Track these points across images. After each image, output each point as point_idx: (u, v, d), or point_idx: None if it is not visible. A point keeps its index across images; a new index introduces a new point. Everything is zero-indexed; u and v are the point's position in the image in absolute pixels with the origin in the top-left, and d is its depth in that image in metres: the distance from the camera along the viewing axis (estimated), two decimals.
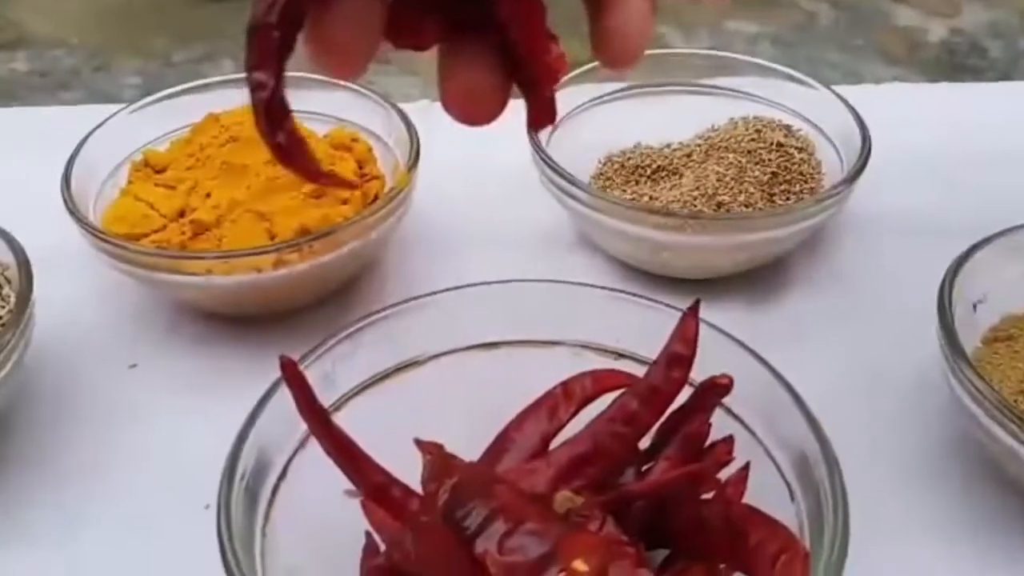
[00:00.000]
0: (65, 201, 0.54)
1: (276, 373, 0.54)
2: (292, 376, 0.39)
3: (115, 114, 0.61)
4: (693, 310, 0.41)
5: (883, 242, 0.64)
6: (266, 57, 0.25)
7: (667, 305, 0.44)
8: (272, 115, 0.25)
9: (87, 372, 0.55)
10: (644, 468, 0.43)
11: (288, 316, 0.57)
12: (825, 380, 0.53)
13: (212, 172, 0.59)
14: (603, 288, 0.45)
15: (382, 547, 0.41)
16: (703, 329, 0.42)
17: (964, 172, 0.69)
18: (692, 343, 0.41)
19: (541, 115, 0.27)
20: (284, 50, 0.25)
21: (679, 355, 0.41)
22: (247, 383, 0.54)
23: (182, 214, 0.57)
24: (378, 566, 0.39)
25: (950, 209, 0.65)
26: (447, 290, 0.44)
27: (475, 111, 0.26)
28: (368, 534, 0.42)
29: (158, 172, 0.60)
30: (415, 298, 0.44)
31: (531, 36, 0.25)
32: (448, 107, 0.26)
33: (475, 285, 0.44)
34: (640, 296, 0.44)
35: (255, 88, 0.25)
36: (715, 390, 0.41)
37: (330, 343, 0.42)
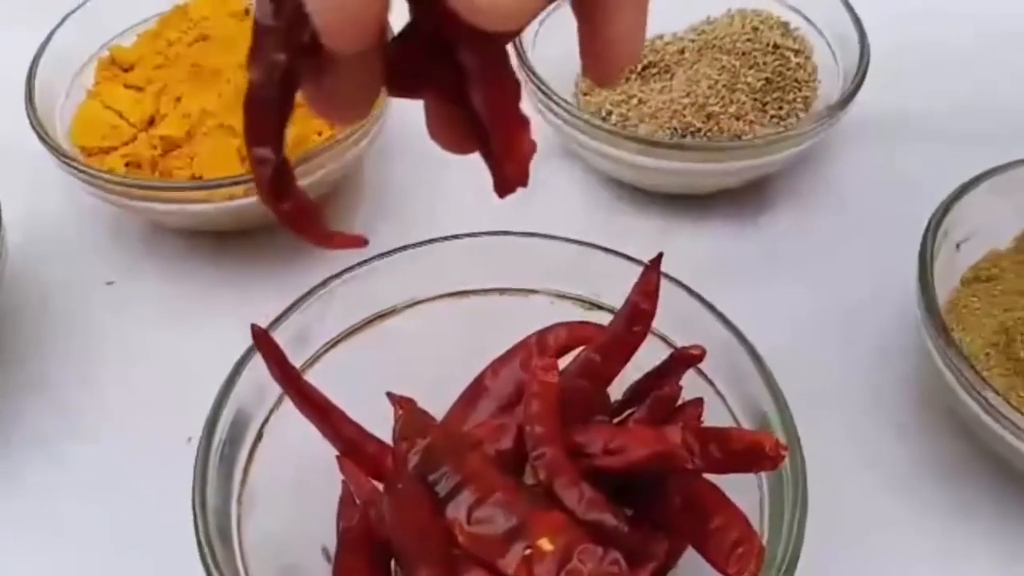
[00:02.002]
0: (30, 120, 0.52)
1: (257, 290, 0.55)
2: (264, 344, 0.39)
3: (76, 9, 0.58)
4: (655, 264, 0.41)
5: (885, 151, 0.62)
6: (266, 131, 0.24)
7: (643, 264, 0.43)
8: (276, 188, 0.24)
9: (61, 289, 0.54)
10: (616, 420, 0.43)
11: (268, 229, 0.57)
12: (805, 309, 0.54)
13: (182, 74, 0.56)
14: (578, 243, 0.44)
15: (358, 500, 0.42)
16: (681, 296, 0.42)
17: (979, 74, 0.66)
18: (653, 297, 0.41)
19: (509, 183, 0.26)
20: (284, 117, 0.24)
21: (640, 309, 0.41)
22: (228, 298, 0.55)
23: (151, 121, 0.55)
24: (352, 528, 0.40)
25: (958, 115, 0.63)
26: (420, 244, 0.44)
27: (463, 148, 0.27)
28: (344, 484, 0.43)
29: (125, 71, 0.58)
30: (388, 253, 0.43)
31: (503, 124, 0.24)
32: (435, 139, 0.27)
33: (448, 239, 0.44)
34: (615, 252, 0.44)
35: (257, 163, 0.24)
36: (685, 360, 0.41)
37: (302, 303, 0.42)
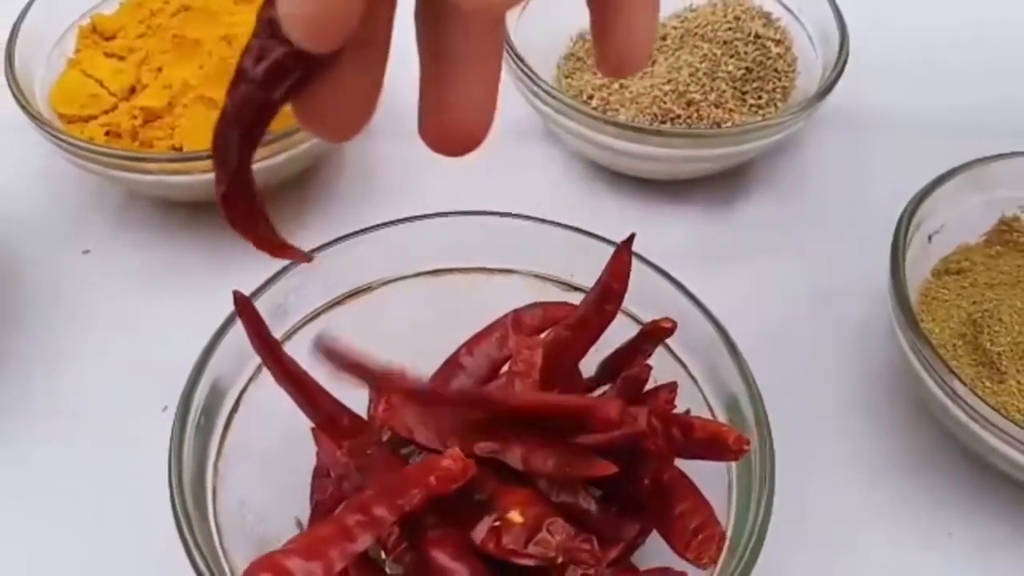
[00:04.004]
0: (10, 86, 0.51)
1: (232, 259, 0.55)
2: (246, 310, 0.39)
3: None
4: (627, 243, 0.41)
5: (861, 142, 0.63)
6: (234, 154, 0.24)
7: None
8: (234, 201, 0.25)
9: (38, 257, 0.54)
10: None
11: None
12: (778, 295, 0.55)
13: (163, 44, 0.56)
14: (557, 225, 0.44)
15: (332, 473, 0.42)
16: (655, 278, 0.42)
17: (956, 70, 0.67)
18: (624, 277, 0.41)
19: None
20: (254, 143, 0.24)
21: (611, 288, 0.42)
22: (205, 268, 0.55)
23: (132, 91, 0.55)
24: (325, 500, 0.40)
25: (933, 109, 0.64)
26: (400, 221, 0.44)
27: (462, 145, 0.25)
28: (318, 456, 0.43)
29: (107, 39, 0.58)
30: (368, 229, 0.43)
31: None
32: (430, 142, 0.25)
33: (428, 217, 0.44)
34: (593, 235, 0.44)
35: (220, 179, 0.24)
36: (656, 334, 0.41)
37: (282, 276, 0.42)
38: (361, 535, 0.33)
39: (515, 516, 0.37)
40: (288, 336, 0.43)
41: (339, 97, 0.23)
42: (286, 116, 0.55)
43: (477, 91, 0.24)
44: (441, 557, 0.35)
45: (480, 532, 0.37)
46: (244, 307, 0.39)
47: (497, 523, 0.37)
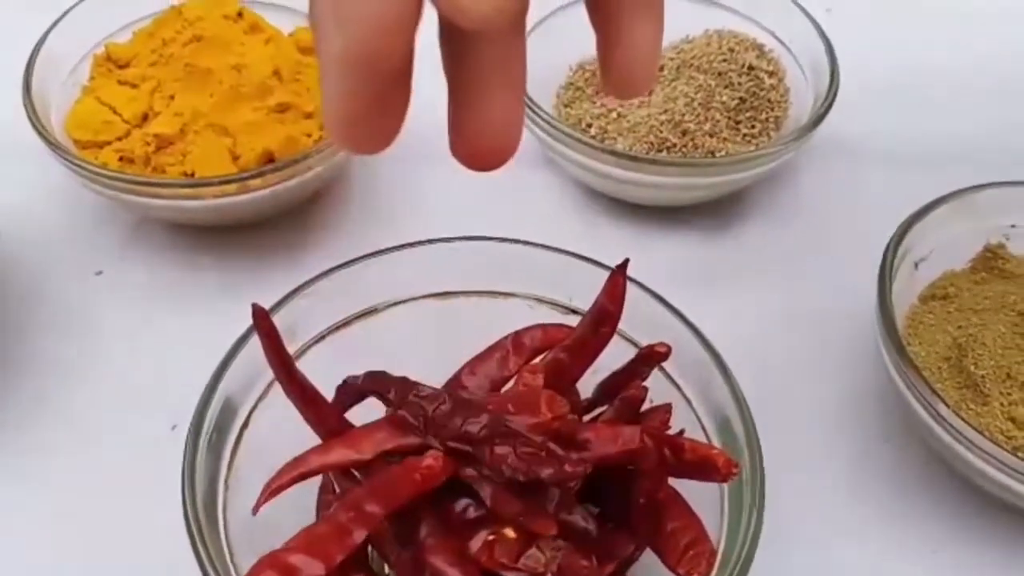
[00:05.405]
0: (28, 113, 0.53)
1: (238, 283, 0.57)
2: (263, 323, 0.41)
3: (74, 6, 0.59)
4: (622, 268, 0.43)
5: (850, 171, 0.65)
6: None
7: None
8: None
9: (51, 278, 0.56)
10: (586, 419, 0.45)
11: (251, 226, 0.58)
12: (771, 318, 0.56)
13: (176, 73, 0.58)
14: (556, 250, 0.46)
15: (337, 488, 0.44)
16: (651, 302, 0.44)
17: (942, 102, 0.69)
18: (619, 299, 0.43)
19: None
20: None
21: (607, 311, 0.43)
22: (212, 289, 0.57)
23: (145, 118, 0.57)
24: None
25: (920, 140, 0.66)
26: (405, 246, 0.45)
27: (492, 159, 0.25)
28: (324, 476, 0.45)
29: (120, 67, 0.60)
30: (374, 254, 0.45)
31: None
32: (461, 158, 0.25)
33: (432, 242, 0.46)
34: (590, 260, 0.46)
35: None
36: (652, 357, 0.43)
37: (291, 299, 0.43)
38: (356, 530, 0.35)
39: (509, 532, 0.39)
40: (297, 356, 0.44)
41: (376, 113, 0.23)
42: (294, 141, 0.57)
43: (501, 102, 0.24)
44: (439, 562, 0.36)
45: (475, 544, 0.38)
46: (261, 319, 0.41)
47: (492, 537, 0.38)
